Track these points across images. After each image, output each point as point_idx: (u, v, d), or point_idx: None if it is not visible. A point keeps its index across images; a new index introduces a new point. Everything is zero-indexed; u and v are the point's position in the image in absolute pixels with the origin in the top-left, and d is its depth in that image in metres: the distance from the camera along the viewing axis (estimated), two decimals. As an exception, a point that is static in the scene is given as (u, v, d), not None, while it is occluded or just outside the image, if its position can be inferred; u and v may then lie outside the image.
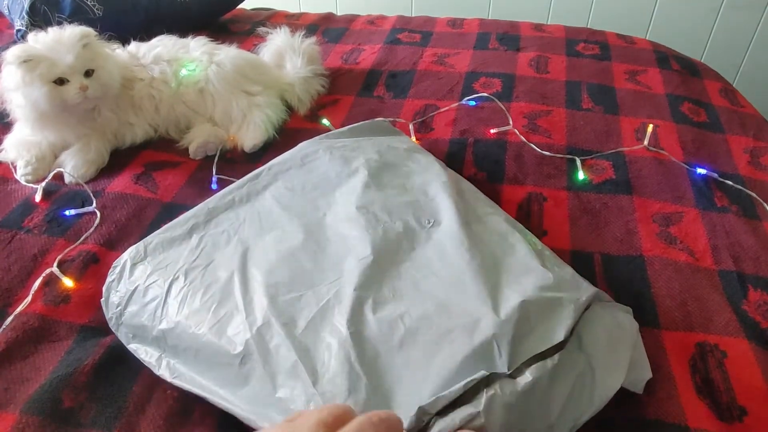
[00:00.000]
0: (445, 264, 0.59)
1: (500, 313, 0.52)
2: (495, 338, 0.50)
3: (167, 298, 0.59)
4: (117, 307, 0.62)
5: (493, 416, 0.44)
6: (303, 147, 0.79)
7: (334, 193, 0.69)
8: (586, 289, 0.58)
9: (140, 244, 0.65)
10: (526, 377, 0.48)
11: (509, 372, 0.48)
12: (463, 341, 0.50)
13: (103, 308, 0.63)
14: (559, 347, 0.51)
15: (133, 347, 0.60)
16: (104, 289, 0.64)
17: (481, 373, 0.46)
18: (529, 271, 0.58)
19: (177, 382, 0.56)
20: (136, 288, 0.61)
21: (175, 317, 0.57)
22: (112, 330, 0.62)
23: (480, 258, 0.59)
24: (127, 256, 0.64)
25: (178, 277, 0.60)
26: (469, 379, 0.46)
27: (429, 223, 0.64)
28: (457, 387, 0.46)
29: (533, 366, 0.49)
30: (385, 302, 0.54)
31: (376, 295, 0.55)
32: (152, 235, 0.66)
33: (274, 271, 0.59)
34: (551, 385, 0.49)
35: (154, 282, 0.60)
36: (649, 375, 0.56)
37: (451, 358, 0.49)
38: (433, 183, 0.71)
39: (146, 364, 0.58)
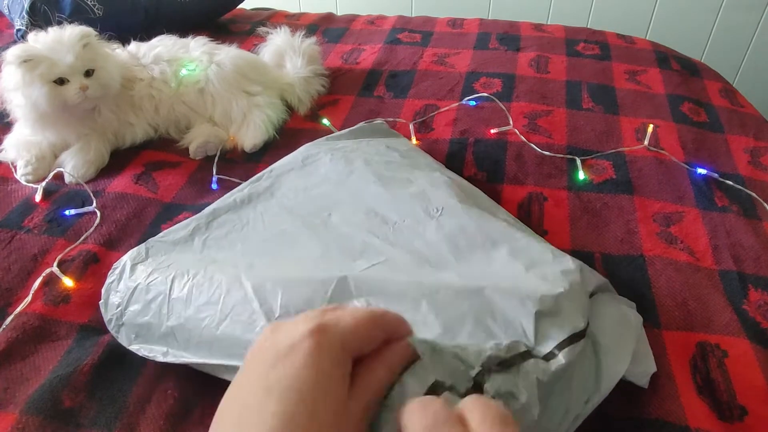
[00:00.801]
0: (457, 253, 0.59)
1: (521, 294, 0.52)
2: (518, 318, 0.50)
3: (171, 293, 0.58)
4: (117, 308, 0.61)
5: (531, 394, 0.43)
6: (304, 150, 0.79)
7: (338, 193, 0.69)
8: (596, 278, 0.58)
9: (141, 247, 0.65)
10: (560, 360, 0.47)
11: (537, 346, 0.47)
12: (485, 324, 0.50)
13: (102, 311, 0.62)
14: (581, 334, 0.51)
15: (135, 348, 0.59)
16: (103, 291, 0.63)
17: (521, 342, 0.45)
18: (543, 259, 0.58)
19: (183, 360, 0.55)
20: (137, 286, 0.60)
21: (184, 313, 0.57)
22: (112, 333, 0.61)
23: (491, 245, 0.59)
24: (127, 257, 0.64)
25: (181, 272, 0.59)
26: (511, 341, 0.45)
27: (437, 211, 0.64)
28: (504, 345, 0.44)
29: (565, 350, 0.48)
30: (401, 298, 0.53)
31: (389, 295, 0.54)
32: (153, 238, 0.66)
33: (282, 272, 0.58)
34: (572, 370, 0.49)
35: (155, 279, 0.60)
36: (653, 368, 0.56)
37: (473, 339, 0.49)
38: (436, 182, 0.71)
39: (150, 359, 0.57)
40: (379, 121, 0.92)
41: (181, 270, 0.60)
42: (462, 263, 0.58)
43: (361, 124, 0.89)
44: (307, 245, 0.62)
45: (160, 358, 0.57)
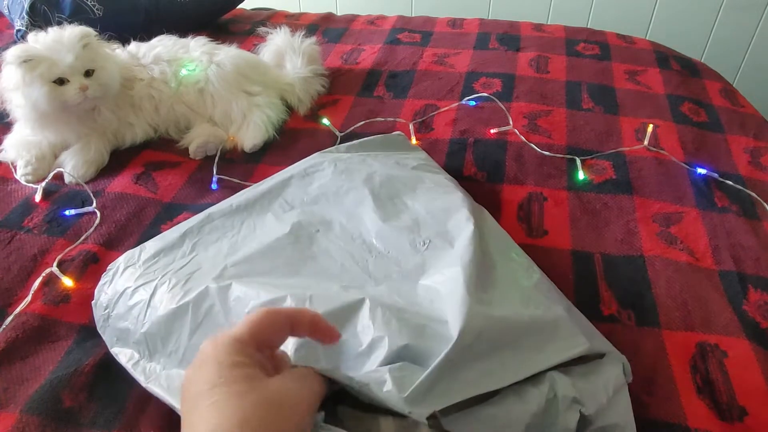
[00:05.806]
0: (435, 288, 0.55)
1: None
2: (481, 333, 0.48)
3: (151, 301, 0.59)
4: (105, 310, 0.62)
5: None
6: (310, 159, 0.77)
7: (332, 210, 0.68)
8: (582, 343, 0.52)
9: (136, 249, 0.65)
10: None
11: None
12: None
13: (93, 311, 0.63)
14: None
15: (115, 351, 0.59)
16: (96, 290, 0.64)
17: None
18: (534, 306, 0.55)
19: (150, 387, 0.54)
20: (123, 291, 0.61)
21: (157, 322, 0.57)
22: (99, 333, 0.62)
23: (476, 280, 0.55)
24: (122, 260, 0.64)
25: (164, 281, 0.60)
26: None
27: (424, 245, 0.62)
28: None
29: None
30: (366, 328, 0.50)
31: (359, 319, 0.51)
32: (148, 241, 0.66)
33: (253, 287, 0.57)
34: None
35: (140, 285, 0.60)
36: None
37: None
38: (434, 208, 0.67)
39: (125, 367, 0.57)
40: (397, 133, 0.88)
41: (164, 279, 0.60)
42: (433, 304, 0.53)
43: (378, 136, 0.85)
44: (286, 257, 0.61)
45: (132, 374, 0.56)
